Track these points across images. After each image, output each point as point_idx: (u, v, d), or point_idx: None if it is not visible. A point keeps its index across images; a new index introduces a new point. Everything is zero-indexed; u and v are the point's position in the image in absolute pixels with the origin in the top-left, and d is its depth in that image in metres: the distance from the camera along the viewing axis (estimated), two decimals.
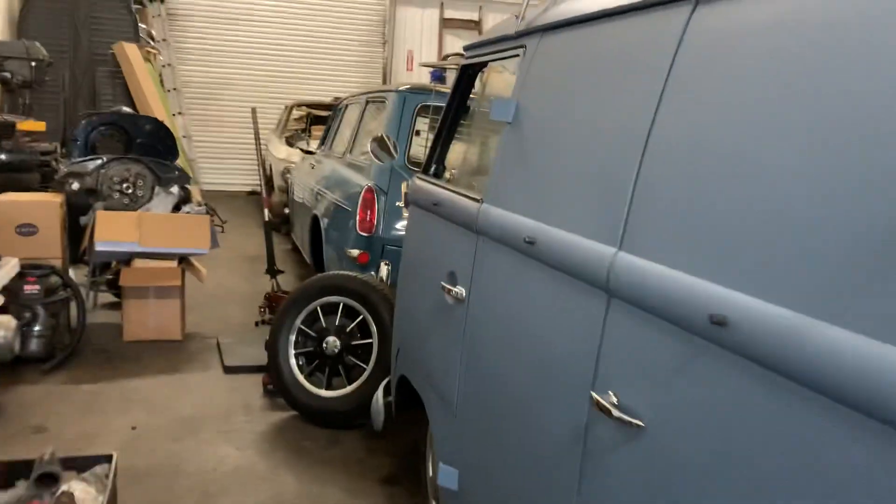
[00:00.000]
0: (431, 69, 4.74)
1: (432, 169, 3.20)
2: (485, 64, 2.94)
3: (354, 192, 4.78)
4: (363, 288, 4.08)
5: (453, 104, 3.13)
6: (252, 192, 13.21)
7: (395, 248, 4.55)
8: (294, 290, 4.27)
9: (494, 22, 15.02)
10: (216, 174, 13.38)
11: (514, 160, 2.27)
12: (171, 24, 13.00)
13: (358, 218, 4.54)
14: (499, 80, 3.31)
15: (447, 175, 3.06)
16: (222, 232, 9.20)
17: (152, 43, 11.47)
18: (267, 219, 6.23)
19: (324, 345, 4.10)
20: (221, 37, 13.39)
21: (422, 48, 14.38)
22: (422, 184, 3.11)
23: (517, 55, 2.45)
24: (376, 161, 3.96)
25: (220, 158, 13.50)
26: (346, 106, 6.43)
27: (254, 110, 6.31)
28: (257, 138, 6.66)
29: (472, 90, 3.17)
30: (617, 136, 1.71)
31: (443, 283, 2.59)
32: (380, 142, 3.89)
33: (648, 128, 1.59)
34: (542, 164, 2.10)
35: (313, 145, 8.44)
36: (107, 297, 6.09)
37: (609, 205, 1.67)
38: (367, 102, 5.54)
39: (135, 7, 10.93)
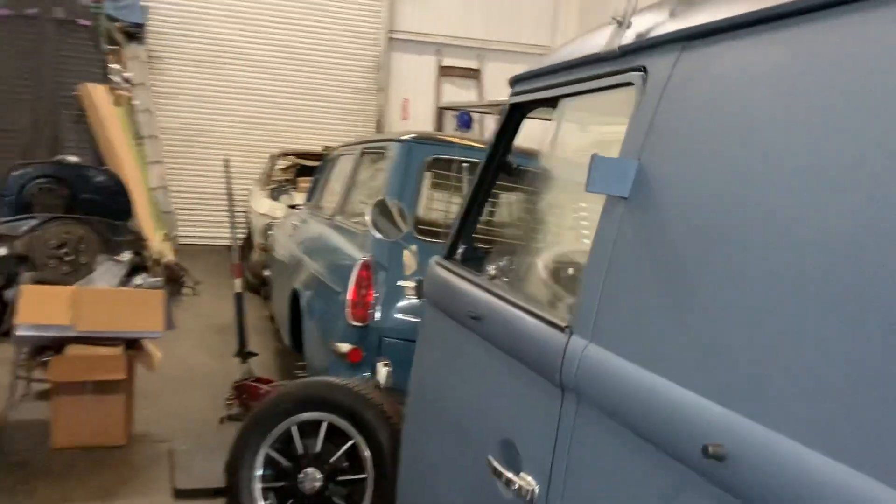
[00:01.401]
0: (457, 112, 3.70)
1: (460, 250, 2.20)
2: (548, 102, 1.95)
3: (345, 266, 3.77)
4: (355, 402, 3.04)
5: (494, 160, 2.14)
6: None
7: (397, 342, 3.52)
8: (261, 404, 3.22)
9: (494, 72, 14.33)
10: (195, 227, 12.34)
11: (639, 264, 1.27)
12: (151, 66, 12.10)
13: (349, 301, 3.52)
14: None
15: (491, 269, 2.05)
16: (194, 294, 8.15)
17: (126, 85, 10.53)
18: (238, 290, 5.20)
19: (300, 479, 3.04)
20: (204, 81, 12.49)
21: (417, 97, 13.56)
22: (446, 275, 2.11)
23: (625, 83, 1.47)
24: (376, 234, 2.94)
25: (199, 210, 12.48)
26: (338, 157, 5.45)
27: (226, 161, 5.35)
28: (230, 193, 5.68)
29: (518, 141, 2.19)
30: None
31: (490, 459, 1.56)
32: (381, 208, 2.89)
33: None
34: (708, 275, 1.10)
35: (299, 199, 7.43)
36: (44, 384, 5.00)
37: None
38: (363, 154, 4.56)
39: (108, 47, 10.03)
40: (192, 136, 12.39)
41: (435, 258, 2.36)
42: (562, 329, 1.42)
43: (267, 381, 5.08)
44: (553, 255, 1.99)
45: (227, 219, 12.62)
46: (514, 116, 2.11)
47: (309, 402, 3.10)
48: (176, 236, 10.74)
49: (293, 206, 6.56)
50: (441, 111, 13.40)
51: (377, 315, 3.51)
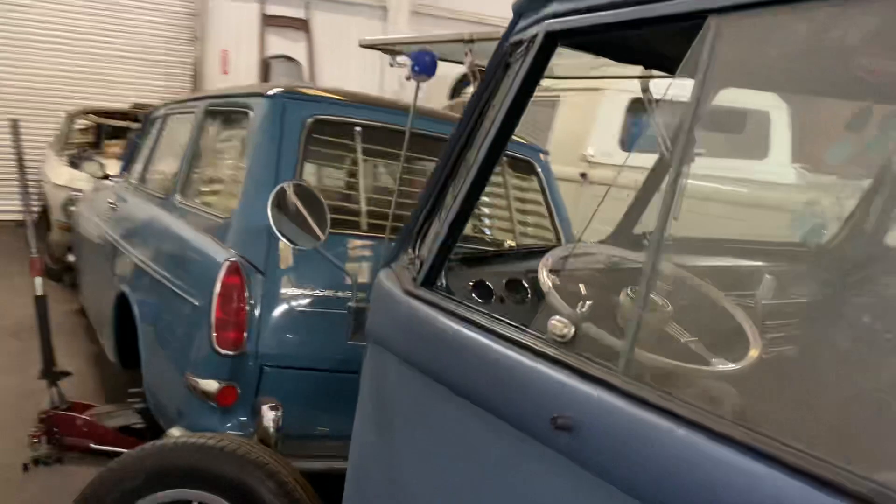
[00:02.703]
0: (401, 55, 2.67)
1: (443, 274, 1.37)
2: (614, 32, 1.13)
3: (202, 268, 2.77)
4: (240, 471, 2.11)
5: (505, 123, 1.31)
6: (22, 223, 10.27)
7: (285, 371, 2.61)
8: (95, 481, 2.20)
9: (325, 24, 13.20)
10: None
11: None
12: None
13: (214, 321, 2.54)
14: None
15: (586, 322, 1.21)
16: None
17: None
18: (39, 292, 3.97)
19: None
20: None
21: (239, 48, 12.18)
22: (436, 319, 1.27)
23: None
24: (286, 241, 2.00)
25: None
26: (166, 117, 4.31)
27: (14, 123, 4.06)
28: (21, 162, 4.38)
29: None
30: None
31: None
32: (281, 200, 1.93)
33: None
34: None
35: (112, 168, 6.07)
36: None
37: None
38: (208, 113, 3.50)
39: None
40: None
41: (392, 279, 1.51)
42: None
43: (85, 407, 3.93)
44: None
45: (13, 190, 10.80)
46: (543, 53, 1.28)
47: (168, 476, 2.14)
48: None
49: (105, 177, 5.27)
50: (266, 64, 12.16)
51: (256, 338, 2.56)
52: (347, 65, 12.66)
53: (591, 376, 0.91)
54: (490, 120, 1.27)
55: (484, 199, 3.48)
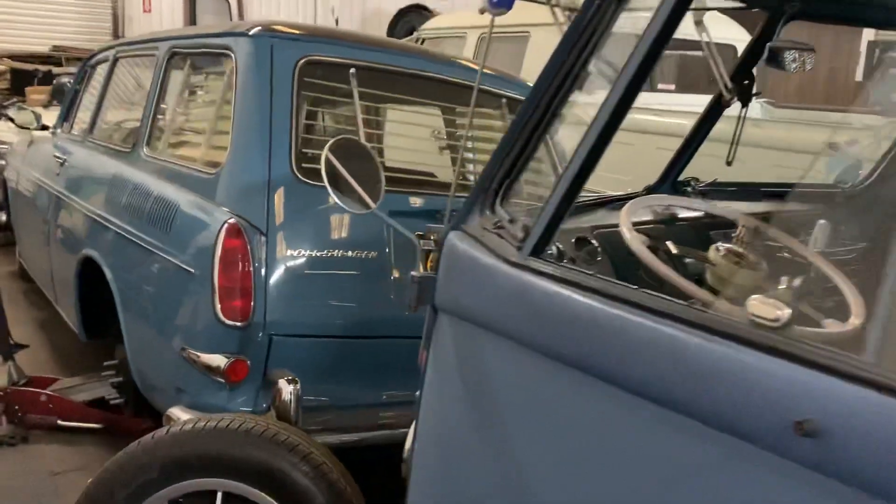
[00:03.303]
0: None
1: (557, 239, 1.20)
2: None
3: (194, 230, 2.49)
4: (269, 454, 1.92)
5: (648, 58, 1.13)
6: None
7: (298, 340, 2.39)
8: (102, 474, 1.96)
9: None
10: None
11: None
12: None
13: (217, 289, 2.29)
14: None
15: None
16: None
17: None
18: None
19: None
20: None
21: None
22: (526, 277, 1.10)
23: None
24: (340, 203, 1.75)
25: None
26: (115, 61, 3.90)
27: None
28: None
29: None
30: None
31: None
32: (343, 152, 1.68)
33: None
34: None
35: (38, 117, 5.53)
36: None
37: None
38: (173, 57, 3.15)
39: None
40: None
41: (473, 245, 1.32)
42: None
43: (47, 381, 3.64)
44: None
45: None
46: None
47: (186, 465, 1.93)
48: None
49: (43, 129, 4.82)
50: (192, 3, 11.42)
51: (263, 305, 2.32)
52: (278, 2, 12.05)
53: (844, 372, 0.75)
54: (631, 56, 1.08)
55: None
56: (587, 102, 1.31)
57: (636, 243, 1.43)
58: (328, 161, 1.64)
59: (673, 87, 5.38)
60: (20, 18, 10.27)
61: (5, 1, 10.17)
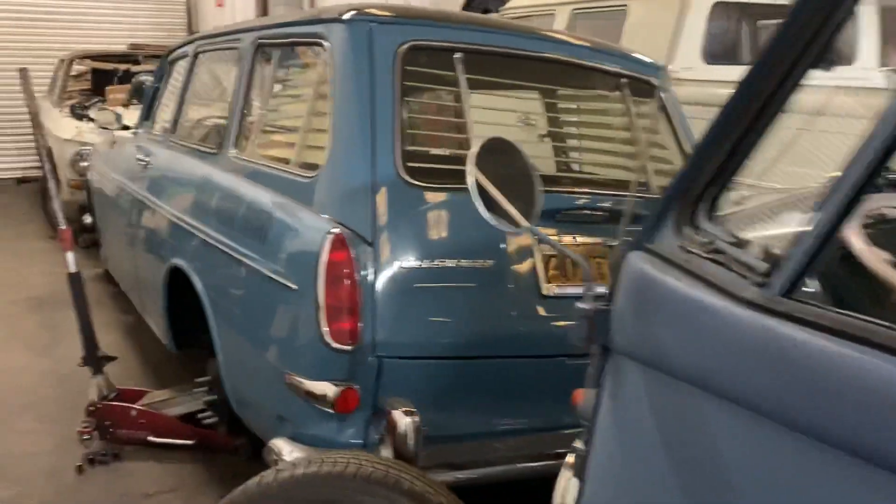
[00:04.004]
0: None
1: (791, 255, 0.86)
2: None
3: (293, 243, 2.25)
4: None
5: None
6: (23, 180, 9.65)
7: (412, 363, 2.12)
8: None
9: None
10: None
11: None
12: None
13: (323, 308, 2.03)
14: None
15: None
16: None
17: None
18: (73, 269, 3.48)
19: None
20: None
21: None
22: (780, 328, 0.77)
23: None
24: (492, 221, 1.46)
25: None
26: (196, 56, 3.71)
27: (24, 72, 3.49)
28: (34, 114, 3.85)
29: None
30: None
31: None
32: (490, 154, 1.39)
33: None
34: None
35: (118, 117, 5.43)
36: None
37: None
38: (261, 49, 2.92)
39: None
40: None
41: (668, 272, 1.02)
42: None
43: (137, 394, 3.48)
44: None
45: (9, 147, 10.20)
46: None
47: None
48: None
49: (125, 129, 4.70)
50: None
51: (371, 325, 2.06)
52: None
53: None
54: None
55: (595, 130, 2.96)
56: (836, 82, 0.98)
57: None
58: (470, 171, 1.34)
59: None
60: (97, 18, 10.33)
61: (82, 1, 10.25)
